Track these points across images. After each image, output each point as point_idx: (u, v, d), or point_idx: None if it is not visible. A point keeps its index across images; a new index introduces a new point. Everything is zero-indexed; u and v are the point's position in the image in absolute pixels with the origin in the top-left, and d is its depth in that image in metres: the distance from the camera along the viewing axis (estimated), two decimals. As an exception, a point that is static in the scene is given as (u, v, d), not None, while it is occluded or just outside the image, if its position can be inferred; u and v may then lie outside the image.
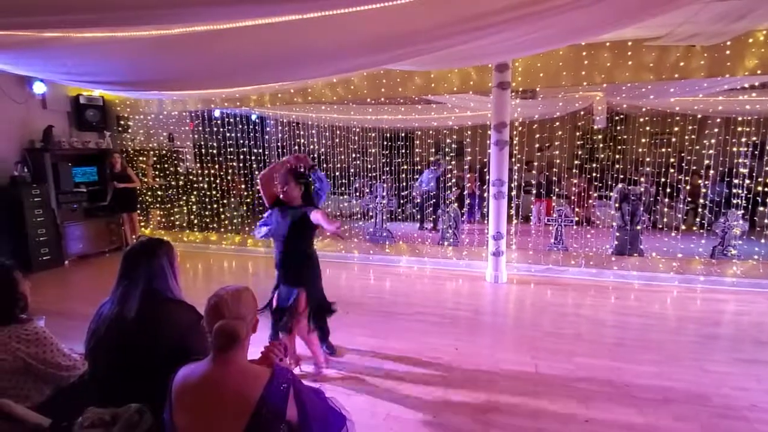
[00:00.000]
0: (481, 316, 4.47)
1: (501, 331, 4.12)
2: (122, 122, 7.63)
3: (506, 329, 4.16)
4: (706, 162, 6.13)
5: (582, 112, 7.93)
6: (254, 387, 1.34)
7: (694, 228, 6.33)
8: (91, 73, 4.28)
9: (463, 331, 3.95)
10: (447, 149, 7.65)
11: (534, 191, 8.64)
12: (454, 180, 8.41)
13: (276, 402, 1.34)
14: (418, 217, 9.14)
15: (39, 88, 6.48)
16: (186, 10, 2.46)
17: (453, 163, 7.85)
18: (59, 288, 5.53)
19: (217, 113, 8.27)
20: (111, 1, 2.32)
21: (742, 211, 5.79)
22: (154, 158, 7.98)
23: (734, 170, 6.37)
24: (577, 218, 7.04)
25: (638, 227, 6.09)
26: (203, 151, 8.44)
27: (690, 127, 6.60)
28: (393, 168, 9.34)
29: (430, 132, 9.33)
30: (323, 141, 9.60)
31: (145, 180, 7.63)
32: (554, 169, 6.62)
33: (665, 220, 6.77)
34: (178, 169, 8.41)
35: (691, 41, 4.41)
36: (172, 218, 8.34)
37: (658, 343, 3.65)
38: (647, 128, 7.36)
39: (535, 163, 8.14)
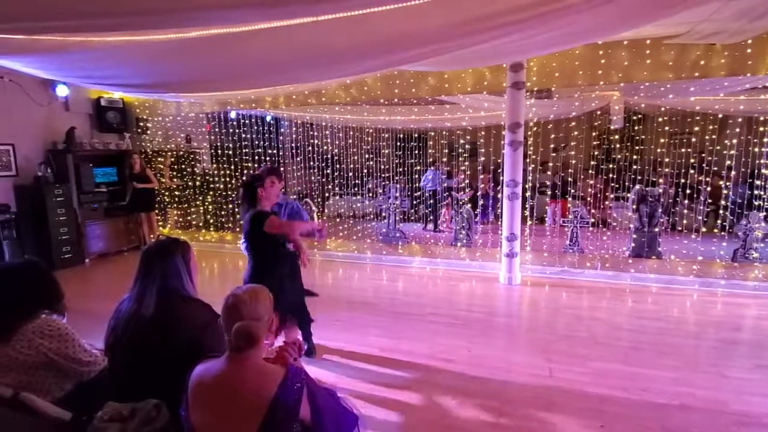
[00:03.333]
0: (494, 318, 4.44)
1: (514, 333, 4.09)
2: (141, 124, 7.80)
3: (520, 332, 4.12)
4: (728, 163, 5.97)
5: (599, 112, 7.80)
6: (269, 385, 1.36)
7: (715, 230, 6.17)
8: (111, 76, 4.38)
9: (475, 333, 3.92)
10: (460, 150, 7.62)
11: (549, 192, 8.54)
12: (467, 181, 8.38)
13: (290, 401, 1.36)
14: (431, 218, 9.14)
15: (62, 90, 6.67)
16: (201, 14, 2.50)
17: (466, 164, 7.81)
18: (80, 285, 5.68)
19: (233, 114, 8.40)
20: (130, 7, 2.38)
21: (765, 213, 5.63)
22: (172, 159, 8.15)
23: (757, 171, 6.18)
24: (593, 220, 6.93)
25: (656, 229, 5.96)
26: (219, 152, 8.58)
27: (711, 127, 6.45)
28: (406, 169, 9.34)
29: (444, 132, 9.30)
30: (337, 142, 9.66)
31: (163, 180, 7.80)
32: (570, 170, 6.53)
33: (685, 222, 6.61)
34: (195, 169, 8.57)
35: (712, 39, 4.30)
36: (188, 218, 8.49)
37: (677, 348, 3.57)
38: (666, 128, 7.22)
39: (551, 164, 8.05)
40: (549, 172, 8.98)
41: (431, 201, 8.73)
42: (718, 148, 6.24)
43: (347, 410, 1.66)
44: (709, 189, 7.37)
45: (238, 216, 8.40)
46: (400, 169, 9.25)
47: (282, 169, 9.38)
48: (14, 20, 2.51)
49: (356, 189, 9.52)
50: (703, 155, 7.26)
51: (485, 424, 2.60)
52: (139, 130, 7.79)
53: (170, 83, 4.62)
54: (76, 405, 1.75)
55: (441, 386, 3.02)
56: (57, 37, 3.05)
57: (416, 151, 9.23)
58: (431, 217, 8.94)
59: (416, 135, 9.85)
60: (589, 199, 8.15)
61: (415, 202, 9.52)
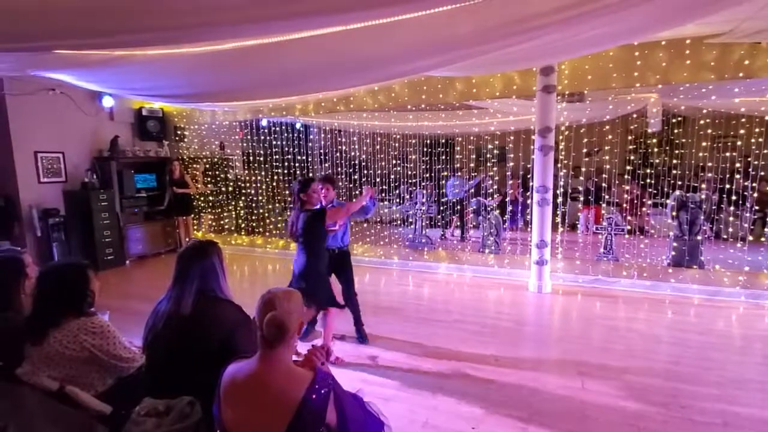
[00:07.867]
0: (523, 326, 4.33)
1: (544, 343, 3.97)
2: (179, 132, 8.17)
3: (550, 342, 4.00)
4: (777, 167, 5.61)
5: (635, 115, 7.52)
6: (297, 388, 1.39)
7: (763, 239, 5.79)
8: (153, 87, 4.63)
9: (504, 342, 3.85)
10: (488, 155, 7.51)
11: (582, 198, 8.28)
12: (496, 186, 8.26)
13: (316, 405, 1.38)
14: (458, 223, 9.05)
15: (107, 102, 7.09)
16: (238, 27, 2.60)
17: (495, 169, 7.71)
18: (121, 286, 5.97)
19: (264, 122, 8.64)
20: (169, 22, 2.50)
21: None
22: (206, 165, 8.47)
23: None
24: (629, 227, 6.66)
25: (698, 237, 5.66)
26: (251, 158, 8.82)
27: (757, 130, 6.08)
28: (433, 174, 9.30)
29: (471, 138, 9.20)
30: (364, 148, 9.74)
31: (198, 186, 8.12)
32: (604, 175, 6.31)
33: (730, 230, 6.24)
34: (228, 175, 8.86)
35: (757, 38, 4.08)
36: (221, 222, 8.78)
37: (721, 364, 3.37)
38: (708, 131, 6.85)
39: (583, 169, 7.80)
40: (581, 178, 8.71)
41: (458, 208, 8.69)
42: (766, 152, 5.87)
43: (373, 415, 1.67)
44: (756, 195, 6.93)
45: (268, 221, 8.62)
46: (427, 175, 9.21)
47: (311, 175, 9.57)
48: (60, 38, 2.69)
49: (383, 195, 9.55)
50: (749, 159, 6.83)
51: (513, 436, 2.54)
52: (177, 138, 8.16)
53: (208, 93, 4.81)
54: (116, 399, 1.84)
55: (467, 394, 2.97)
56: (103, 52, 3.25)
57: (443, 157, 9.16)
58: (458, 224, 8.90)
59: (443, 140, 9.78)
60: (624, 205, 7.84)
61: (442, 208, 9.45)
